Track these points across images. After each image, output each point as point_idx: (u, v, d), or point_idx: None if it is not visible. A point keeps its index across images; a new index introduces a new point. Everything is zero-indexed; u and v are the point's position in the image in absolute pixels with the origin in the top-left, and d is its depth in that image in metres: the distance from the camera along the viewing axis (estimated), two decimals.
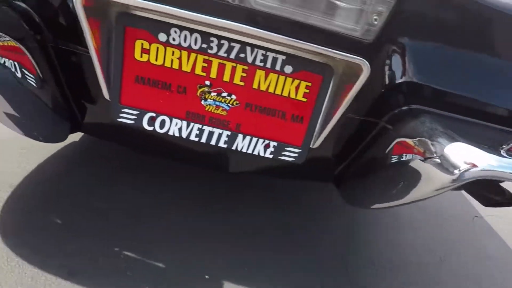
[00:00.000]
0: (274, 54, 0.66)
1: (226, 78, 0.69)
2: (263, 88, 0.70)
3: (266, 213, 1.39)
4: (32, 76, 0.62)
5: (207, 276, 1.05)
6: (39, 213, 1.12)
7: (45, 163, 1.37)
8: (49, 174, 1.32)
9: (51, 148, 1.46)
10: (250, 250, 1.19)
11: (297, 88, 0.69)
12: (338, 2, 0.49)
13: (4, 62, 0.57)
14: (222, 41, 0.65)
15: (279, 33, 0.57)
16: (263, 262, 1.15)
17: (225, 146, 0.73)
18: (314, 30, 0.57)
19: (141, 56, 0.67)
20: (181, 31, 0.64)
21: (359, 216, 1.54)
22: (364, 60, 0.57)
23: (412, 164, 0.65)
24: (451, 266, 1.37)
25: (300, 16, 0.54)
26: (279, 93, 0.70)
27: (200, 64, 0.67)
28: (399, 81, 0.64)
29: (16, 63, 0.59)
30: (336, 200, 1.58)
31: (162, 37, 0.64)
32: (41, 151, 1.42)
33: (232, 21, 0.58)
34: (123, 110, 0.71)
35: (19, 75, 0.60)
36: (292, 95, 0.70)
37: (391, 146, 0.69)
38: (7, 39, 0.55)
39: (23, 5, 0.58)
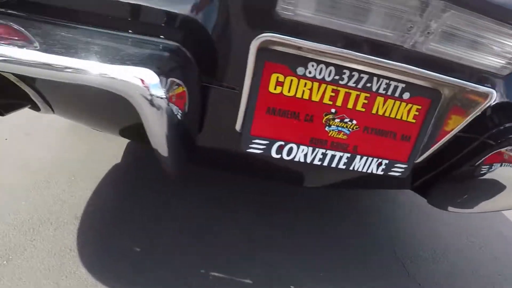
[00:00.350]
0: (396, 83, 0.73)
1: (350, 105, 0.74)
2: (380, 112, 0.76)
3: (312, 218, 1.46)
4: (181, 114, 0.63)
5: (292, 287, 1.10)
6: (115, 242, 1.09)
7: (98, 189, 1.32)
8: (107, 200, 1.29)
9: (98, 173, 1.42)
10: (313, 255, 1.25)
11: (409, 111, 0.77)
12: (494, 47, 0.57)
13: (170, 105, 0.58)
14: (353, 73, 0.70)
15: (417, 67, 0.64)
16: (330, 265, 1.22)
17: (343, 167, 0.79)
18: (445, 63, 0.64)
19: (275, 89, 0.70)
20: (318, 65, 0.69)
21: (391, 214, 1.66)
22: (493, 90, 0.66)
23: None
24: (483, 252, 1.53)
25: (459, 59, 0.61)
26: (393, 116, 0.77)
27: (328, 94, 0.72)
28: (503, 101, 0.74)
29: (177, 107, 0.59)
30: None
31: (300, 70, 0.69)
32: (88, 177, 1.38)
33: (374, 56, 0.64)
34: (253, 140, 0.74)
35: (175, 113, 0.61)
36: (404, 118, 0.78)
37: (488, 157, 0.79)
38: (180, 85, 0.56)
39: (183, 48, 0.58)
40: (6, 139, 1.55)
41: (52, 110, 0.80)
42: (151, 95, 0.46)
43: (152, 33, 0.56)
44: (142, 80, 0.46)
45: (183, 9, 0.55)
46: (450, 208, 0.95)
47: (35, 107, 0.78)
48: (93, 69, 0.44)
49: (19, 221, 1.09)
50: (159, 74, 0.47)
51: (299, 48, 0.62)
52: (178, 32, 0.57)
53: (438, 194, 0.91)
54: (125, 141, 1.72)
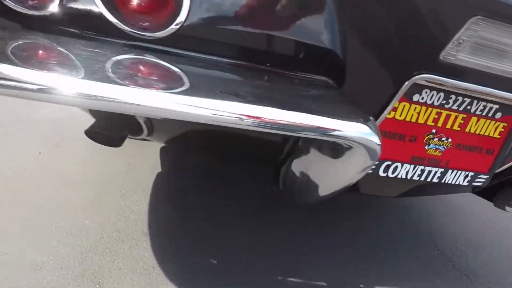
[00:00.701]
0: (492, 105, 0.79)
1: (448, 125, 0.80)
2: (472, 130, 0.82)
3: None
4: None
5: (362, 285, 1.18)
6: (190, 256, 1.11)
7: (152, 201, 1.32)
8: (165, 212, 1.28)
9: (145, 185, 1.40)
10: (366, 254, 1.32)
11: (496, 128, 0.84)
12: None
13: None
14: (458, 97, 0.75)
15: None
16: (383, 262, 1.30)
17: (436, 181, 0.86)
18: None
19: (389, 114, 0.74)
20: (430, 91, 0.73)
21: (426, 210, 1.78)
22: None
23: None
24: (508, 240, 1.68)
25: None
26: (483, 133, 0.84)
27: (432, 116, 0.77)
28: None
29: None
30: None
31: (415, 97, 0.73)
32: (138, 189, 1.36)
33: (485, 87, 0.70)
34: None
35: None
36: (491, 134, 0.85)
37: None
38: None
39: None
40: (40, 153, 1.48)
41: (151, 136, 0.79)
42: (374, 143, 0.48)
43: (317, 72, 0.58)
44: (365, 131, 0.47)
45: (337, 46, 0.57)
46: (507, 208, 1.06)
47: (136, 134, 0.76)
48: (310, 123, 0.44)
49: (91, 241, 1.07)
50: (371, 123, 0.49)
51: (440, 85, 0.66)
52: (333, 68, 0.59)
53: (502, 197, 1.01)
54: (157, 149, 1.69)
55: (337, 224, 1.46)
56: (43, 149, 1.50)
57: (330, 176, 0.59)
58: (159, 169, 1.54)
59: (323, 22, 0.54)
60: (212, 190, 1.49)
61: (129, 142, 1.74)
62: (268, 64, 0.59)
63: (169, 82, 0.51)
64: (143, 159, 1.57)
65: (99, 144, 1.66)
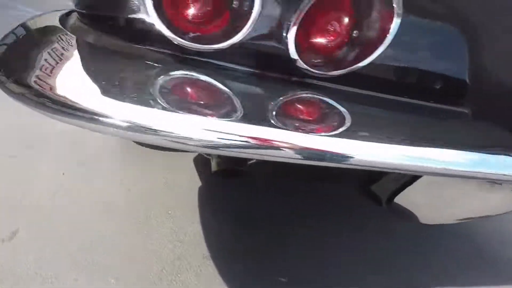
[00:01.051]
0: None
1: None
2: None
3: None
4: None
5: None
6: (263, 277, 1.05)
7: (204, 221, 1.24)
8: (220, 231, 1.21)
9: (190, 203, 1.31)
10: (433, 265, 1.29)
11: None
12: None
13: None
14: None
15: None
16: (451, 273, 1.28)
17: None
18: None
19: None
20: None
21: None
22: None
23: None
24: None
25: None
26: None
27: None
28: None
29: None
30: None
31: None
32: (184, 209, 1.27)
33: None
34: None
35: None
36: None
37: None
38: None
39: None
40: (63, 174, 1.33)
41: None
42: None
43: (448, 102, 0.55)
44: None
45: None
46: None
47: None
48: None
49: (154, 274, 0.98)
50: None
51: None
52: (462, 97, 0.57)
53: None
54: (189, 159, 1.58)
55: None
56: (66, 170, 1.35)
57: (467, 207, 0.58)
58: (197, 183, 1.44)
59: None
60: (257, 201, 1.42)
61: (159, 154, 1.62)
62: (405, 96, 0.56)
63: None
64: (178, 172, 1.46)
65: (126, 160, 1.55)
